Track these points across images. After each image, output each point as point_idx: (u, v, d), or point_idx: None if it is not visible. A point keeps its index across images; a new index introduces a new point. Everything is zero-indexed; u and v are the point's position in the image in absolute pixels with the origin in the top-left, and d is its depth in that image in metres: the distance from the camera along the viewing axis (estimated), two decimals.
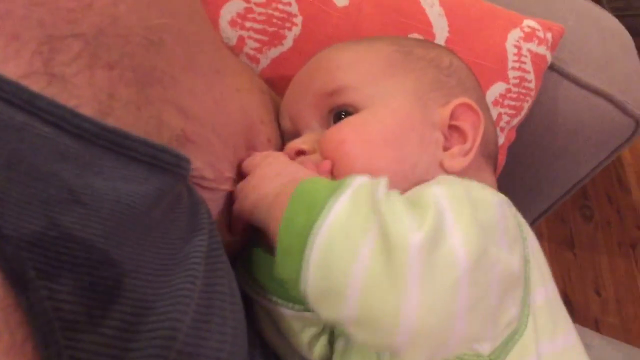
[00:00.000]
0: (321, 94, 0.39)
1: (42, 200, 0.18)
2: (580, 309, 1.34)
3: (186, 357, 0.21)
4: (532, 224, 0.73)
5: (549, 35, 0.53)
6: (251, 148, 0.37)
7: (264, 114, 0.38)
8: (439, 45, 0.46)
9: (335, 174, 0.35)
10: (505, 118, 0.52)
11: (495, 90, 0.51)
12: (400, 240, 0.26)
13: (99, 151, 0.20)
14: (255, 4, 0.45)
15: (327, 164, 0.35)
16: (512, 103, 0.52)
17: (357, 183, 0.29)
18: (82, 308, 0.18)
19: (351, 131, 0.36)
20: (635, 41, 0.62)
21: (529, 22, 0.52)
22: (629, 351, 0.71)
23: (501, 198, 0.32)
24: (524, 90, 0.52)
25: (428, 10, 0.49)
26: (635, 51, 0.64)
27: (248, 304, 0.34)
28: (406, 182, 0.34)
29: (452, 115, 0.38)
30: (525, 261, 0.32)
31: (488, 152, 0.40)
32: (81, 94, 0.20)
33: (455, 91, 0.39)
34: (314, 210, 0.27)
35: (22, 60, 0.19)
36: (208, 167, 0.31)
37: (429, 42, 0.46)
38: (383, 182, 0.29)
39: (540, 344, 0.30)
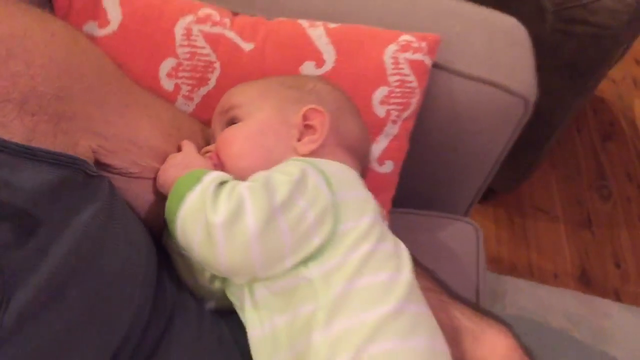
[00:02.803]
0: (221, 111, 0.57)
1: None
2: (599, 281, 1.40)
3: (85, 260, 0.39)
4: (473, 203, 0.85)
5: (423, 44, 0.68)
6: (176, 145, 0.55)
7: (180, 124, 0.57)
8: (309, 76, 0.63)
9: (222, 160, 0.53)
10: (395, 113, 0.67)
11: (380, 93, 0.66)
12: (211, 221, 0.44)
13: (22, 159, 0.38)
14: (184, 59, 0.64)
15: (213, 156, 0.54)
16: (398, 100, 0.67)
17: (207, 179, 0.47)
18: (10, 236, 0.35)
19: (230, 133, 0.54)
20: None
21: (405, 37, 0.67)
22: None
23: (310, 168, 0.47)
24: (407, 90, 0.67)
25: (317, 42, 0.66)
26: (527, 43, 0.77)
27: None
28: (267, 163, 0.51)
29: (305, 117, 0.54)
30: (335, 207, 0.46)
31: (347, 145, 0.56)
32: (14, 131, 0.39)
33: (313, 103, 0.55)
34: (178, 199, 0.47)
35: None
36: (132, 165, 0.50)
37: (302, 75, 0.64)
38: (218, 178, 0.47)
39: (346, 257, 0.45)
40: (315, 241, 0.45)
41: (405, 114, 0.68)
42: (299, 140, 0.53)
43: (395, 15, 0.73)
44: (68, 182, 0.40)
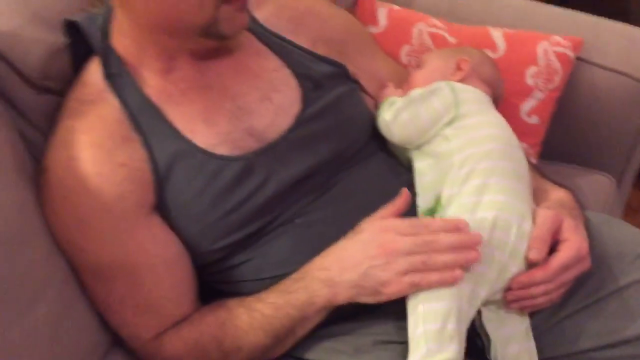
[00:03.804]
0: (417, 63, 1.03)
1: None
2: None
3: None
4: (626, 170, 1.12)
5: (569, 43, 1.04)
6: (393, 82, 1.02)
7: (395, 69, 1.04)
8: (470, 47, 1.02)
9: (412, 87, 0.96)
10: (541, 84, 1.04)
11: (531, 70, 1.04)
12: (385, 118, 0.86)
13: (313, 57, 0.86)
14: (415, 45, 1.12)
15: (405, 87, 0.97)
16: (544, 76, 1.04)
17: (390, 100, 0.93)
18: None
19: (417, 74, 0.99)
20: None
21: (555, 37, 1.05)
22: None
23: (448, 92, 0.87)
24: (551, 70, 1.04)
25: (496, 39, 1.07)
26: None
27: None
28: None
29: (457, 63, 0.93)
30: (456, 103, 0.85)
31: (483, 79, 0.93)
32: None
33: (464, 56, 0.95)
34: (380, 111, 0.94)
35: None
36: (368, 86, 0.98)
37: (466, 47, 1.04)
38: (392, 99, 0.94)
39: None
40: (444, 119, 0.85)
41: (550, 86, 1.04)
42: (452, 75, 0.94)
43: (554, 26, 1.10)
44: (337, 74, 0.89)
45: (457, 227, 0.70)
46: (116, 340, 0.84)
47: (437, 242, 0.69)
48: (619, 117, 1.07)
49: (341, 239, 0.74)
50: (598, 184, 1.09)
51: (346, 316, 0.76)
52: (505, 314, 0.76)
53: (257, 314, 0.75)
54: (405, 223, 0.71)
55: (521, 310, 0.76)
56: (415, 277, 0.67)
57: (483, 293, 0.72)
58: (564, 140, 1.10)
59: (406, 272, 0.67)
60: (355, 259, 0.70)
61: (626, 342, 0.77)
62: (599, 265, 0.81)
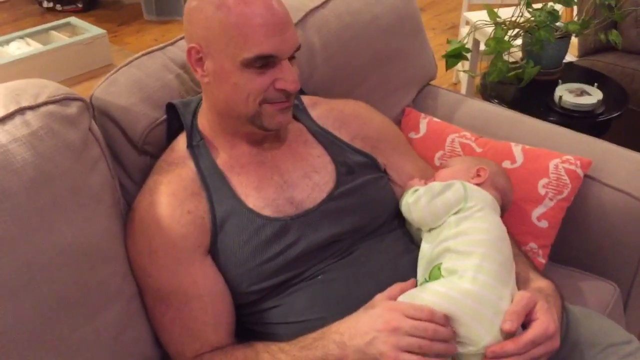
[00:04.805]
0: (441, 164, 1.22)
1: None
2: None
3: None
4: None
5: (578, 162, 1.20)
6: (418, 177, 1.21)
7: (421, 166, 1.24)
8: (487, 159, 1.20)
9: (438, 181, 1.16)
10: (551, 194, 1.20)
11: (542, 181, 1.20)
12: (408, 201, 1.08)
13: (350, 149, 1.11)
14: (447, 151, 1.32)
15: (428, 181, 1.17)
16: (554, 188, 1.20)
17: (413, 189, 1.13)
18: None
19: (443, 173, 1.18)
20: None
21: (566, 156, 1.21)
22: None
23: (461, 188, 1.05)
24: (561, 183, 1.19)
25: (515, 153, 1.25)
26: None
27: None
28: None
29: (477, 171, 1.12)
30: (465, 198, 1.03)
31: (495, 186, 1.11)
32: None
33: (483, 166, 1.14)
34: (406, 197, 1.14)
35: None
36: (398, 179, 1.19)
37: (485, 158, 1.22)
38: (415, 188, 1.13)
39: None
40: (454, 209, 1.03)
41: (559, 197, 1.20)
42: (472, 178, 1.13)
43: (569, 148, 1.27)
44: (368, 164, 1.09)
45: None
46: (164, 356, 1.04)
47: (435, 331, 0.82)
48: (623, 232, 1.19)
49: (354, 298, 0.92)
50: (600, 290, 1.20)
51: None
52: None
53: None
54: (413, 307, 0.84)
55: None
56: (412, 357, 0.81)
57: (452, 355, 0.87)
58: (572, 246, 1.23)
59: (403, 349, 0.81)
60: (364, 329, 0.84)
61: None
62: (572, 351, 0.93)
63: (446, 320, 0.84)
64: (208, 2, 0.92)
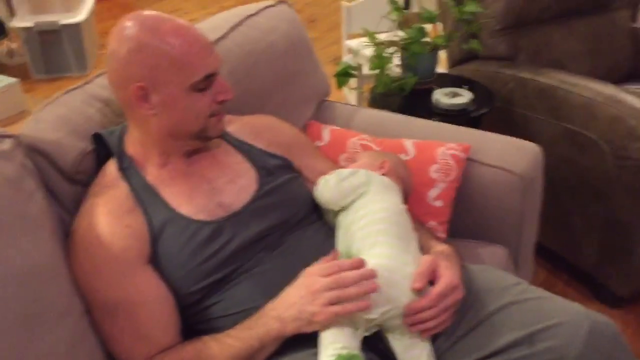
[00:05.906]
0: (347, 157, 1.39)
1: None
2: None
3: None
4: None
5: (460, 147, 1.41)
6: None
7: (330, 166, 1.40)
8: (390, 152, 1.40)
9: None
10: (442, 177, 1.39)
11: (434, 167, 1.40)
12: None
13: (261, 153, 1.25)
14: (349, 154, 1.49)
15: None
16: (443, 171, 1.39)
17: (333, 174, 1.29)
18: None
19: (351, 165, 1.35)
20: None
21: (450, 144, 1.42)
22: None
23: (364, 174, 1.23)
24: (448, 166, 1.39)
25: (407, 147, 1.45)
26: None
27: None
28: None
29: (381, 163, 1.31)
30: (367, 184, 1.19)
31: (397, 176, 1.29)
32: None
33: (386, 158, 1.32)
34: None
35: None
36: (313, 177, 1.34)
37: (388, 152, 1.42)
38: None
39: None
40: (359, 191, 1.18)
41: (449, 178, 1.40)
42: (377, 170, 1.29)
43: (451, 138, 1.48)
44: (285, 165, 1.24)
45: (359, 264, 0.99)
46: None
47: (345, 278, 0.95)
48: (504, 201, 1.41)
49: (287, 284, 1.04)
50: (493, 253, 1.40)
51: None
52: (410, 340, 1.03)
53: (226, 345, 1.03)
54: (324, 267, 0.97)
55: (422, 336, 1.04)
56: (336, 307, 0.94)
57: (376, 316, 0.98)
58: (465, 220, 1.43)
59: (328, 304, 0.94)
60: (293, 299, 0.97)
61: (496, 352, 1.04)
62: (475, 299, 1.10)
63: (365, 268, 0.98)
64: (145, 42, 1.02)
